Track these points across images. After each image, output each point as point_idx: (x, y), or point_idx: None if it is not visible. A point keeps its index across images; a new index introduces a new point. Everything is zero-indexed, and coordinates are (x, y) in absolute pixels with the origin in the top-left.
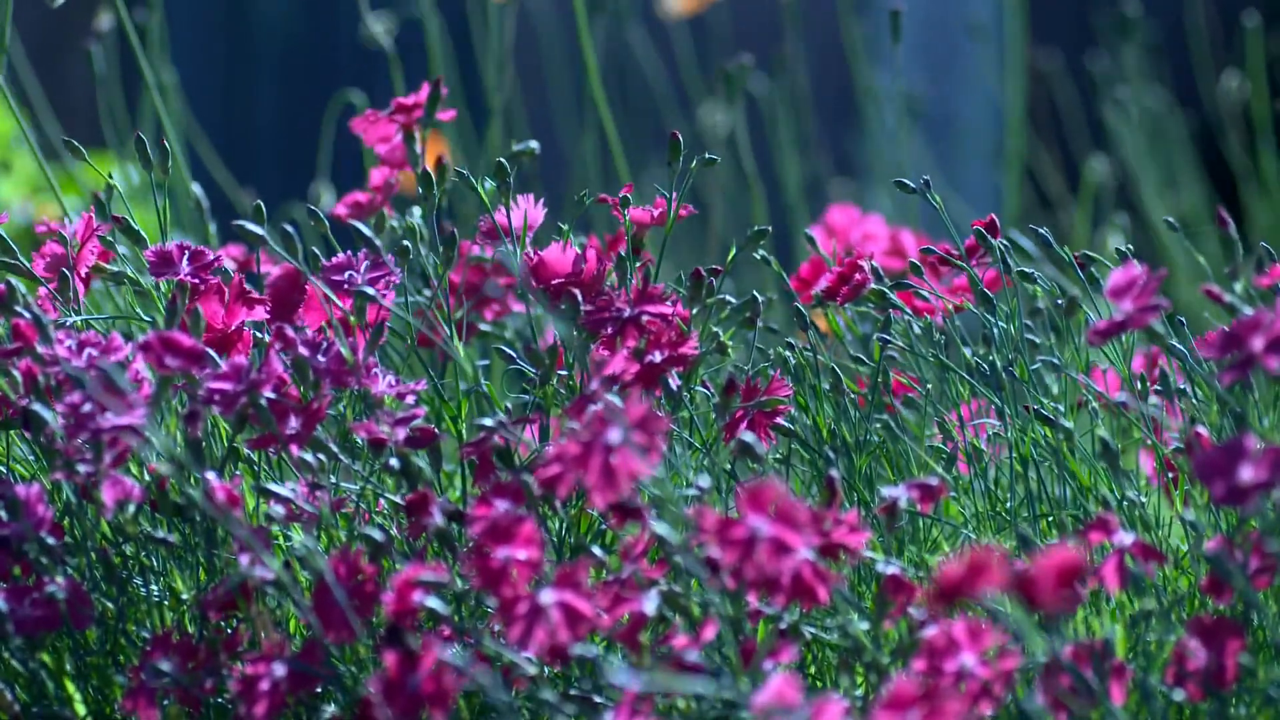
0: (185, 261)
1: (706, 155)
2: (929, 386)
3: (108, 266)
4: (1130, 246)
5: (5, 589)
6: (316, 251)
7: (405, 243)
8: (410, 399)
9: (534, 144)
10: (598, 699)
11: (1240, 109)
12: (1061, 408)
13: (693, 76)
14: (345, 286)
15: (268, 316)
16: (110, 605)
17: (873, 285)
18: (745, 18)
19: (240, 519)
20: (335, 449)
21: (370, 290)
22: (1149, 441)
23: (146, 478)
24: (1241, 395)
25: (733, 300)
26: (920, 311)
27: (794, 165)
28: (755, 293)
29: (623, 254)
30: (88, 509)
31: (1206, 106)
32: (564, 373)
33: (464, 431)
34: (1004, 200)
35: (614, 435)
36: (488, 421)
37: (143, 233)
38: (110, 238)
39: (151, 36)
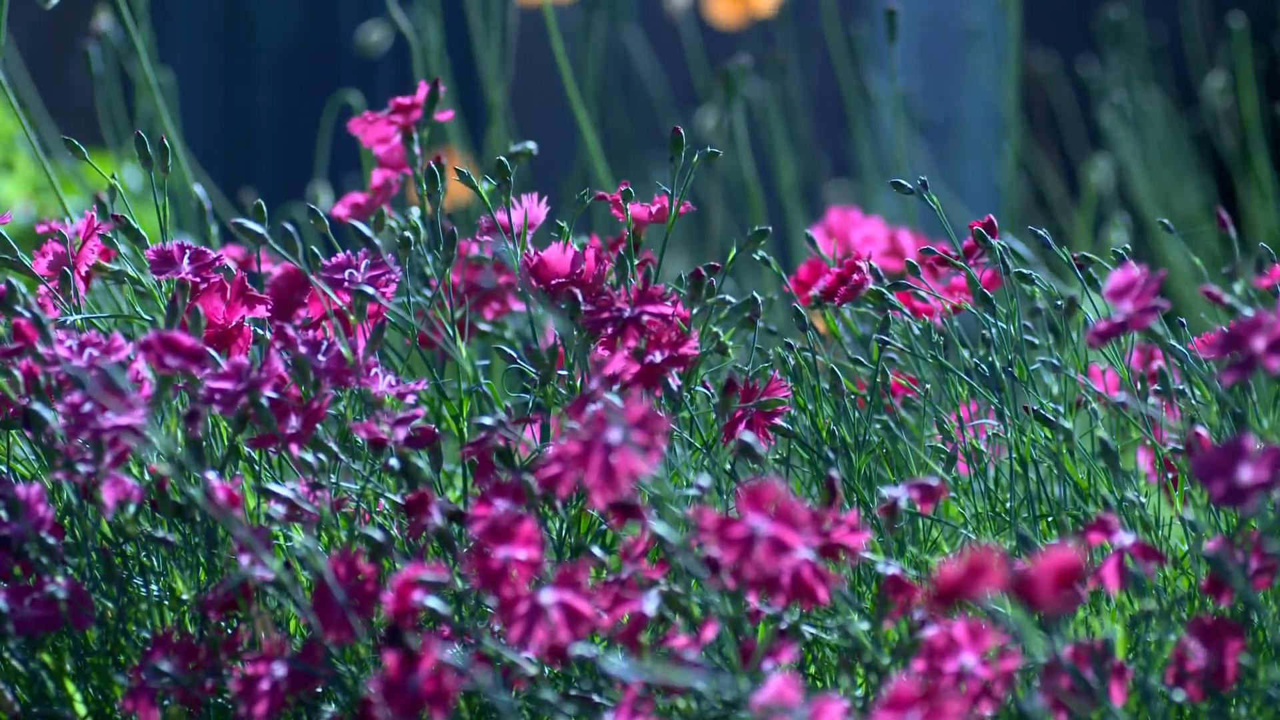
0: (186, 261)
1: (709, 149)
2: (928, 387)
3: (108, 265)
4: (1128, 247)
5: (5, 589)
6: (316, 251)
7: (406, 235)
8: (410, 399)
9: (531, 145)
10: (598, 699)
11: (1234, 111)
12: (1061, 408)
13: (693, 78)
14: (345, 285)
15: (268, 315)
16: (110, 605)
17: (871, 285)
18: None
19: (240, 519)
20: (335, 449)
21: (370, 289)
22: (1148, 441)
23: (147, 478)
24: (1241, 395)
25: (733, 300)
26: (919, 312)
27: (791, 166)
28: (755, 293)
29: (623, 254)
30: (88, 509)
31: (1205, 108)
32: (564, 373)
33: (464, 431)
34: (1002, 200)
35: (614, 435)
36: (488, 421)
37: (143, 232)
38: (111, 237)
39: (145, 35)
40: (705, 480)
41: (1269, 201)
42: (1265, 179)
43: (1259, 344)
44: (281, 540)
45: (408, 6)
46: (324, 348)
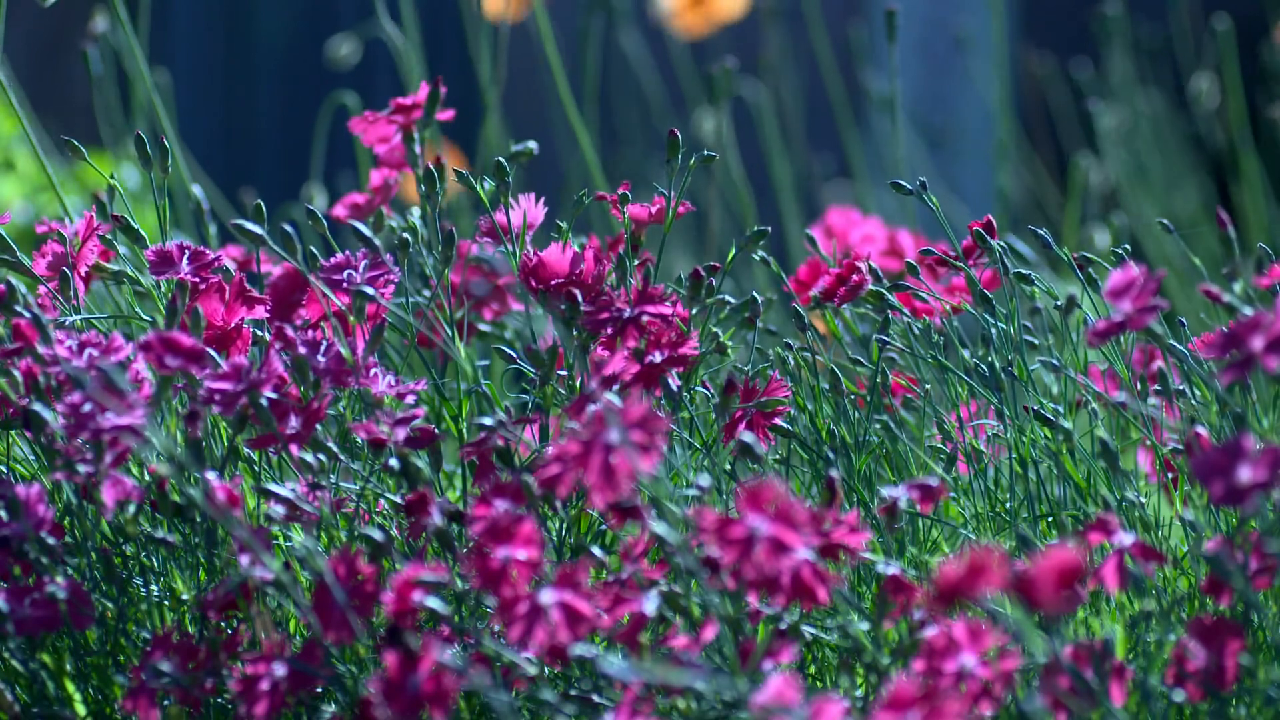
0: (185, 261)
1: (706, 152)
2: (928, 387)
3: (108, 266)
4: (1128, 246)
5: (5, 589)
6: (315, 251)
7: (405, 235)
8: (410, 399)
9: (533, 144)
10: (598, 699)
11: (1223, 111)
12: (1061, 408)
13: (689, 81)
14: (344, 285)
15: (268, 315)
16: (110, 605)
17: (871, 286)
18: (747, 19)
19: (240, 519)
20: (335, 449)
21: (369, 289)
22: (1148, 441)
23: (147, 478)
24: (1241, 395)
25: (732, 300)
26: (919, 312)
27: (788, 167)
28: (754, 293)
29: (622, 254)
30: (88, 509)
31: (1196, 109)
32: (564, 373)
33: (464, 431)
34: (1001, 201)
35: (614, 435)
36: (488, 421)
37: (143, 232)
38: (110, 237)
39: (144, 35)
40: (705, 480)
41: (1262, 201)
42: (1257, 179)
43: (1258, 343)
44: (281, 540)
45: (408, 7)
46: (323, 348)
